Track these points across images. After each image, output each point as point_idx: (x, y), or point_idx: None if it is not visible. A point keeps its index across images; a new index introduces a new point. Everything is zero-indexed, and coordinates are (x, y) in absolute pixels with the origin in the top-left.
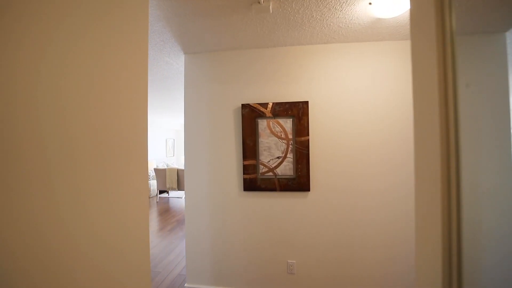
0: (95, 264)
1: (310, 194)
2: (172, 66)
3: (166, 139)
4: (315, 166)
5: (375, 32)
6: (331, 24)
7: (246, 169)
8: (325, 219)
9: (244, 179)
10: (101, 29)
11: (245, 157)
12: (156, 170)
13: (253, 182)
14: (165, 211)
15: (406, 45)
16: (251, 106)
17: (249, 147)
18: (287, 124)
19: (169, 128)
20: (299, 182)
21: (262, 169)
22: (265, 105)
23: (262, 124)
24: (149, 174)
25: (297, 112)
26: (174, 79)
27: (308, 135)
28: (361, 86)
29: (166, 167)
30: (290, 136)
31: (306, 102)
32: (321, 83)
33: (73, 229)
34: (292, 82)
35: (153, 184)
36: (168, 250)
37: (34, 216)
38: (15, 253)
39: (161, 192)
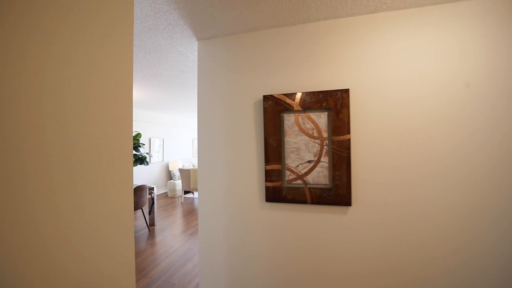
0: (88, 261)
1: (351, 209)
2: (187, 57)
3: (192, 139)
4: (359, 174)
5: None
6: None
7: (268, 175)
8: (371, 244)
9: (267, 188)
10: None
11: (267, 160)
12: (181, 170)
13: (278, 192)
14: (189, 212)
15: (498, 3)
16: (275, 97)
17: (273, 148)
18: (321, 119)
19: (195, 128)
20: (336, 194)
21: (288, 175)
22: (292, 95)
23: (289, 119)
24: (174, 174)
25: (334, 104)
26: (192, 73)
27: (349, 133)
28: (423, 68)
29: (192, 167)
30: (325, 135)
31: (347, 91)
32: (367, 65)
33: (70, 228)
34: (327, 66)
35: (178, 184)
36: (187, 258)
37: (33, 215)
38: (13, 252)
39: (186, 192)
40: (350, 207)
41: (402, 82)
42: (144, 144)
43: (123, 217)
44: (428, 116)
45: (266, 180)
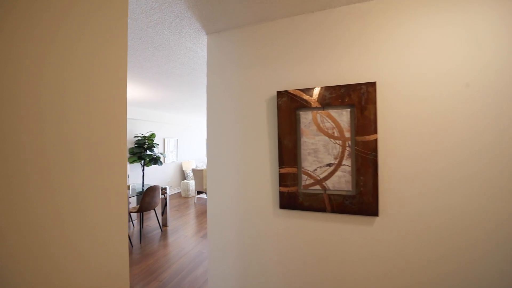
0: (88, 261)
1: (378, 220)
2: (197, 54)
3: (206, 139)
4: (387, 180)
5: None
6: None
7: (283, 180)
8: (401, 261)
9: (281, 193)
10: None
11: (281, 163)
12: (194, 170)
13: (293, 198)
14: (202, 213)
15: None
16: (290, 93)
17: (288, 149)
18: (343, 117)
19: None
20: (361, 202)
21: (305, 180)
22: (309, 91)
23: (306, 117)
24: (188, 174)
25: (358, 99)
26: (203, 72)
27: (375, 132)
28: (466, 56)
29: (205, 167)
30: (347, 135)
31: (373, 84)
32: (397, 54)
33: (71, 228)
34: (349, 57)
35: (192, 184)
36: (197, 262)
37: (34, 215)
38: (14, 253)
39: (199, 192)
40: (377, 217)
41: (440, 73)
42: (158, 144)
43: (117, 216)
44: (473, 113)
45: (280, 185)
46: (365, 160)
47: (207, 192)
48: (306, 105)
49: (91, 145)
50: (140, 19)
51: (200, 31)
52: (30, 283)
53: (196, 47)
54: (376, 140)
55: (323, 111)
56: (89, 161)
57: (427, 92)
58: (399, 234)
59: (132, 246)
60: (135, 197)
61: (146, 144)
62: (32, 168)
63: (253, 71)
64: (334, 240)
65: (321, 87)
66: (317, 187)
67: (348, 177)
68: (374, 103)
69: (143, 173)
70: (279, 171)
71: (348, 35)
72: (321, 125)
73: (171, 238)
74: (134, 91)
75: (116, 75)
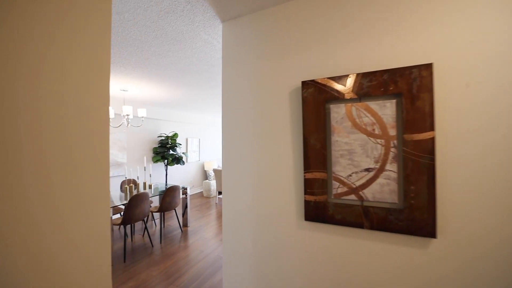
0: (87, 261)
1: (436, 244)
2: (213, 46)
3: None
4: (449, 191)
5: None
6: None
7: (309, 186)
8: None
9: (306, 202)
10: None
11: (307, 166)
12: (215, 170)
13: (321, 208)
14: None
15: None
16: (317, 83)
17: (315, 150)
18: (386, 109)
19: None
20: (411, 219)
21: (337, 187)
22: (342, 79)
23: (338, 112)
24: (209, 174)
25: (408, 87)
26: (220, 68)
27: (432, 129)
28: None
29: None
30: (392, 132)
31: (428, 67)
32: (462, 26)
33: (71, 228)
34: (395, 32)
35: (213, 184)
36: (215, 267)
37: (33, 215)
38: (14, 253)
39: (220, 193)
40: (434, 239)
41: None
42: (180, 144)
43: (100, 215)
44: None
45: (305, 193)
46: (417, 164)
47: (222, 197)
48: (338, 97)
49: (89, 145)
50: (150, 8)
51: (214, 19)
52: (30, 283)
53: (212, 39)
54: (432, 139)
55: (359, 103)
56: (86, 162)
57: (508, 78)
58: (468, 264)
59: (152, 246)
60: (157, 196)
61: (169, 143)
62: (32, 168)
63: (274, 60)
64: (373, 265)
65: (357, 74)
66: (352, 196)
67: (393, 186)
68: (430, 90)
69: (166, 172)
70: (304, 176)
71: (393, 4)
72: (357, 120)
73: (190, 240)
74: (154, 91)
75: (101, 76)
